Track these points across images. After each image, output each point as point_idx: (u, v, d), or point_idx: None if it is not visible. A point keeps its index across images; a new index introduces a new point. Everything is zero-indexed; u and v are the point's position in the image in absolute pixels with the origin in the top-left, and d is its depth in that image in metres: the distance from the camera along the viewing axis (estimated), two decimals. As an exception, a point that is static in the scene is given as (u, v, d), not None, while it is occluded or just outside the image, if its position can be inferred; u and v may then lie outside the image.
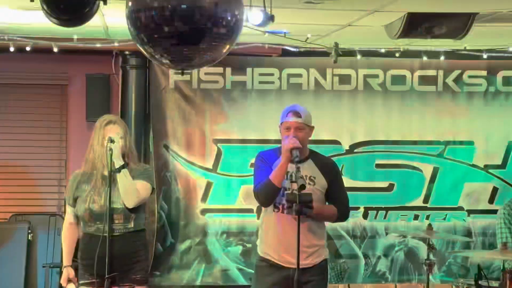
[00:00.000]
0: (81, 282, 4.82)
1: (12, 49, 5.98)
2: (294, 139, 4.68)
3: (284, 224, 4.79)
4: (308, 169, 4.84)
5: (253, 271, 5.16)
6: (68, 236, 4.93)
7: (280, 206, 4.78)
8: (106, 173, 4.72)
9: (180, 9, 2.92)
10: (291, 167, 4.65)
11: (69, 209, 4.95)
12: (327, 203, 4.96)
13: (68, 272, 4.84)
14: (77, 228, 4.95)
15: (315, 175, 4.87)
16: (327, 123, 6.66)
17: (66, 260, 4.90)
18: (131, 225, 4.87)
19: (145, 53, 3.19)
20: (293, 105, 4.99)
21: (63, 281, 4.83)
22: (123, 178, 4.78)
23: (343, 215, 4.98)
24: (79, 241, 4.93)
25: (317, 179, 4.88)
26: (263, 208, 5.00)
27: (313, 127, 4.91)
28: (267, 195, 4.78)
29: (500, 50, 6.45)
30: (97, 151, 4.82)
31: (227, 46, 3.14)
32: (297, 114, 4.83)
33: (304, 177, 4.68)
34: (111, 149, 4.69)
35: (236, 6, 3.06)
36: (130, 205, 4.78)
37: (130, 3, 3.04)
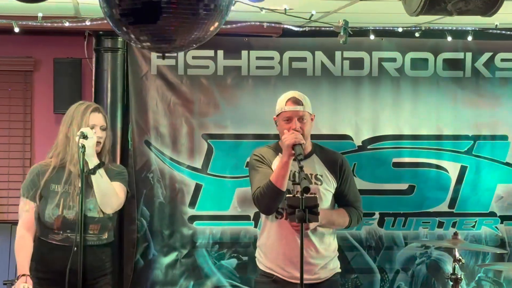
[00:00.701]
0: None
1: (-34, 29, 5.97)
2: (296, 133, 4.71)
3: (288, 232, 4.82)
4: (313, 166, 4.90)
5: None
6: (23, 243, 4.89)
7: (284, 212, 4.81)
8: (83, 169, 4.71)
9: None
10: (293, 166, 4.70)
11: (28, 205, 4.90)
12: (336, 206, 5.05)
13: (25, 281, 4.75)
14: (34, 229, 4.91)
15: (322, 173, 4.94)
16: (336, 115, 6.67)
17: (24, 267, 4.83)
18: (105, 236, 4.94)
19: (116, 31, 3.14)
20: (290, 92, 5.01)
21: None
22: (100, 180, 4.78)
23: (356, 220, 5.04)
24: (34, 249, 4.89)
25: (324, 178, 4.94)
26: (263, 215, 5.03)
27: (313, 116, 4.93)
28: (270, 201, 4.79)
29: (537, 28, 6.45)
30: (76, 144, 4.75)
31: (216, 24, 3.09)
32: (298, 101, 4.87)
33: (309, 176, 4.76)
34: (83, 146, 4.65)
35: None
36: (110, 211, 4.84)
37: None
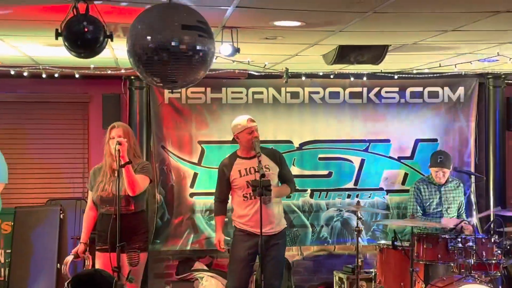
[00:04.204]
0: (97, 248, 4.72)
1: (44, 75, 5.87)
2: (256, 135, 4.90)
3: (253, 207, 4.88)
4: (263, 160, 4.86)
5: (229, 238, 5.18)
6: (87, 216, 4.83)
7: (248, 195, 4.89)
8: (113, 166, 4.60)
9: (168, 45, 2.89)
10: (254, 162, 4.79)
11: (89, 194, 4.85)
12: (279, 184, 5.07)
13: (79, 247, 4.72)
14: (95, 209, 4.82)
15: (269, 164, 4.96)
16: (282, 127, 6.63)
17: (83, 237, 4.79)
18: (132, 207, 4.72)
19: (141, 77, 3.14)
20: (244, 116, 5.06)
21: (73, 251, 4.73)
22: (128, 172, 4.59)
23: (293, 189, 5.13)
24: (97, 218, 4.81)
25: (271, 166, 4.97)
26: (234, 196, 5.06)
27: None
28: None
29: (407, 72, 6.48)
30: (106, 150, 4.71)
31: (203, 71, 3.08)
32: (253, 120, 4.98)
33: (263, 167, 4.75)
34: (118, 150, 4.50)
35: (210, 42, 3.03)
36: (132, 194, 4.63)
37: (129, 42, 3.01)
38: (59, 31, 3.21)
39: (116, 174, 4.54)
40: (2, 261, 6.15)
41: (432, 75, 6.49)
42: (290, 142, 6.65)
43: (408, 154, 6.80)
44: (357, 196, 6.64)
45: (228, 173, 5.00)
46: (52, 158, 6.65)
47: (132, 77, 6.36)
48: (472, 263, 4.79)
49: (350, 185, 6.74)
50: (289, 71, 5.80)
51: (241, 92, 6.58)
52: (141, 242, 4.76)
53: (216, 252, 6.43)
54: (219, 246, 5.01)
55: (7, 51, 4.95)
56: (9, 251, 6.10)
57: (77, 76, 5.98)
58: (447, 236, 4.94)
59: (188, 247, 6.55)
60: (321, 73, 6.46)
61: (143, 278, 5.21)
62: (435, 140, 6.78)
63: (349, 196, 6.72)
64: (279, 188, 5.04)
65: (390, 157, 6.77)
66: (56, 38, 3.25)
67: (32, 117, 6.60)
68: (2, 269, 6.14)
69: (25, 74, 5.85)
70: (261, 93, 6.60)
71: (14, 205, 6.24)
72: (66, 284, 2.62)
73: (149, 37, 2.89)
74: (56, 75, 5.91)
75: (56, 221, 6.18)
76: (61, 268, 4.54)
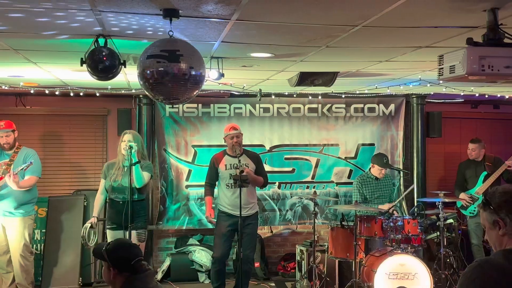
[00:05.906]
0: (107, 227, 4.68)
1: (72, 94, 5.82)
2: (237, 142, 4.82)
3: (234, 194, 4.87)
4: (244, 159, 4.92)
5: (215, 220, 5.11)
6: (99, 199, 4.78)
7: (230, 185, 4.88)
8: (123, 164, 4.62)
9: (169, 72, 2.84)
10: (234, 160, 4.79)
11: (102, 182, 4.79)
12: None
13: (92, 219, 4.68)
14: (104, 194, 4.76)
15: (248, 163, 4.98)
16: (257, 135, 6.60)
17: (95, 212, 4.75)
18: (136, 196, 4.68)
19: (149, 95, 3.11)
20: (231, 123, 5.07)
21: (89, 222, 4.68)
22: (136, 170, 4.62)
23: (266, 183, 5.12)
24: (106, 203, 4.74)
25: (250, 165, 4.98)
26: (220, 186, 5.02)
27: (242, 133, 4.99)
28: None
29: (351, 92, 6.49)
30: (119, 149, 4.71)
31: (196, 91, 3.05)
32: (235, 127, 4.98)
33: (243, 164, 4.82)
34: (131, 152, 4.55)
35: (201, 68, 3.00)
36: (138, 186, 4.61)
37: (138, 68, 2.97)
38: (84, 59, 3.19)
39: (125, 170, 4.56)
40: (39, 238, 6.05)
41: (370, 95, 6.49)
42: (262, 146, 6.61)
43: (353, 155, 6.79)
44: (314, 187, 6.61)
45: (217, 164, 5.01)
46: (78, 158, 6.57)
47: (141, 96, 6.29)
48: (401, 238, 4.85)
49: (309, 179, 6.71)
50: (262, 91, 5.82)
51: (225, 108, 6.52)
52: (141, 222, 4.74)
53: (206, 231, 6.47)
54: (210, 218, 4.96)
55: (43, 75, 4.89)
56: (44, 230, 6.02)
57: (97, 94, 5.92)
58: (381, 218, 4.98)
59: (184, 227, 6.47)
60: (286, 93, 6.44)
61: (149, 251, 5.18)
62: (373, 144, 6.75)
63: (308, 187, 6.68)
64: (256, 178, 5.06)
65: (339, 157, 6.76)
66: (81, 65, 3.24)
67: (63, 126, 6.50)
68: (39, 245, 6.04)
69: (57, 93, 5.76)
70: (240, 108, 6.56)
71: (47, 195, 6.14)
72: (106, 245, 2.59)
73: (152, 65, 2.85)
74: (81, 93, 5.85)
75: (80, 207, 6.09)
76: (83, 239, 4.52)
